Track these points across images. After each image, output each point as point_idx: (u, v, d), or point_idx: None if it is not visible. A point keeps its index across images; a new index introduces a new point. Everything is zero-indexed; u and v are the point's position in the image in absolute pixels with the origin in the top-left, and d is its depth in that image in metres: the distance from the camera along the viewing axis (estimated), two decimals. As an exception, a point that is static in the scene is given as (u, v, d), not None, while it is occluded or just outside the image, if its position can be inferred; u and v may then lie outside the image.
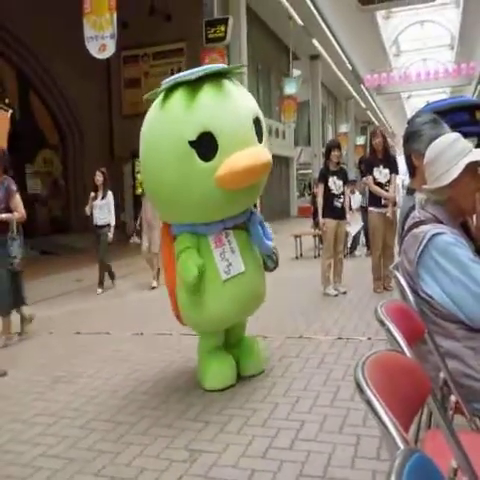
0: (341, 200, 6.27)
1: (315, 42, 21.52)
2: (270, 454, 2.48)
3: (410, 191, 2.37)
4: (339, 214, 6.28)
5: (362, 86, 29.70)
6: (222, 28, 12.43)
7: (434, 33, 31.43)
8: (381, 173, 6.17)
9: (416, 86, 29.69)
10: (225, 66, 3.39)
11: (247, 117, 3.17)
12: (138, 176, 14.58)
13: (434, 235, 1.79)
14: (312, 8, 18.31)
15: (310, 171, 25.45)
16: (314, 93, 25.28)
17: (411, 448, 0.88)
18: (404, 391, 1.17)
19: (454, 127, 2.30)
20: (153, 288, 7.23)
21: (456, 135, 1.93)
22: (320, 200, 6.34)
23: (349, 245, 9.65)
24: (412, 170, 2.39)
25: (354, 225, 9.16)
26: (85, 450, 2.62)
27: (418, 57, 34.33)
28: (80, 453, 2.59)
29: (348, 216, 6.65)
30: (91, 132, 16.09)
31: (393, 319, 1.55)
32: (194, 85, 3.07)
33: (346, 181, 6.50)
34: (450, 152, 1.83)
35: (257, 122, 3.21)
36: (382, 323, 1.49)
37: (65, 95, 15.31)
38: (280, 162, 21.86)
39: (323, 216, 6.27)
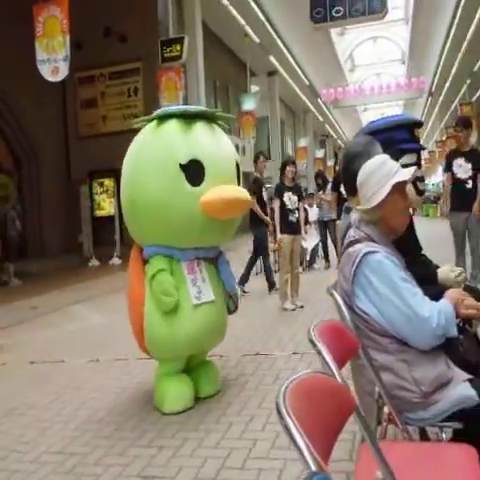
0: (296, 215, 6.40)
1: (272, 59, 21.90)
2: (222, 475, 2.49)
3: (347, 210, 2.46)
4: (294, 229, 6.39)
5: (319, 100, 30.33)
6: (178, 47, 12.49)
7: (386, 48, 32.50)
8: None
9: (371, 99, 30.48)
10: (218, 110, 3.76)
11: (231, 159, 3.51)
12: (96, 197, 14.43)
13: (366, 253, 1.86)
14: (267, 26, 18.66)
15: (271, 185, 25.64)
16: (272, 108, 25.62)
17: (314, 471, 0.93)
18: (327, 412, 1.22)
19: (394, 144, 2.40)
20: None
21: (384, 157, 2.02)
22: (277, 215, 6.43)
23: (308, 258, 9.78)
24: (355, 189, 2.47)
25: (310, 240, 9.30)
26: (35, 485, 2.56)
27: (372, 71, 35.37)
28: (29, 488, 2.54)
29: (303, 232, 6.78)
30: (47, 155, 15.78)
31: (327, 338, 1.60)
32: (187, 119, 3.33)
33: (301, 196, 6.64)
34: (379, 174, 1.92)
35: (237, 167, 3.53)
36: (313, 344, 1.54)
37: (20, 120, 15.01)
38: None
39: (280, 232, 6.36)
